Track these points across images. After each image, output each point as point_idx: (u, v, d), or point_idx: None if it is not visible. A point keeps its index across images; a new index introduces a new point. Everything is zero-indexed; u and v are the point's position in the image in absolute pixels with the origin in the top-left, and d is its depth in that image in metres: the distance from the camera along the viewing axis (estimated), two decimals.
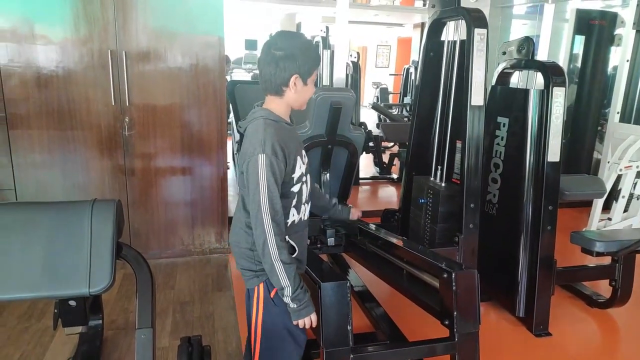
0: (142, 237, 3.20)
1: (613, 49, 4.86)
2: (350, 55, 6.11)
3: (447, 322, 1.78)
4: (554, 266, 2.49)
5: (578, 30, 4.81)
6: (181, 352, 1.45)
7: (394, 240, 2.38)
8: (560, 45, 5.20)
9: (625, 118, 4.33)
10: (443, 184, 2.68)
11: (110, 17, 2.83)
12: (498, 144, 2.66)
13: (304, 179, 1.52)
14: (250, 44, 8.81)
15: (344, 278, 1.72)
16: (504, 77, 2.79)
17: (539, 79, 2.58)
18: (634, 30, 4.22)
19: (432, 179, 2.79)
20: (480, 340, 1.82)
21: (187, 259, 3.28)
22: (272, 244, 1.37)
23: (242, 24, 8.90)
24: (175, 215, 3.25)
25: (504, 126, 2.63)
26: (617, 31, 4.72)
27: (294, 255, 1.48)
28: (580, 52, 4.92)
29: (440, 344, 1.77)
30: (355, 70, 6.14)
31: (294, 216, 1.52)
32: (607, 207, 3.99)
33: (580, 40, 4.93)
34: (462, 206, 2.41)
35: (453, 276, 1.73)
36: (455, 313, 1.73)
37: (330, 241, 2.60)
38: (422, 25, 10.89)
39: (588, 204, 4.02)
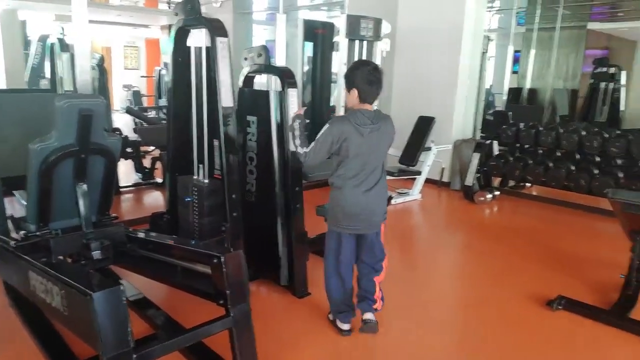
0: None
1: (334, 53, 5.84)
2: (94, 58, 5.70)
3: (221, 302, 1.99)
4: (306, 237, 2.97)
5: (306, 37, 5.62)
6: None
7: (165, 241, 2.47)
8: (296, 50, 5.95)
9: (347, 111, 5.30)
10: (206, 181, 2.88)
11: None
12: (250, 139, 2.99)
13: None
14: None
15: (116, 284, 1.74)
16: (249, 80, 3.13)
17: (277, 81, 3.00)
18: (347, 39, 5.19)
19: (195, 177, 2.95)
20: (253, 312, 2.08)
21: None
22: None
23: None
24: None
25: (253, 123, 2.97)
26: (335, 39, 5.70)
27: None
28: (312, 56, 5.77)
29: (217, 323, 1.96)
30: (101, 73, 5.77)
31: None
32: None
33: (309, 46, 5.77)
34: (225, 198, 2.65)
35: (222, 259, 1.94)
36: (228, 292, 1.95)
37: (96, 254, 2.50)
38: (169, 27, 10.81)
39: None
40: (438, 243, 4.21)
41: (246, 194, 3.04)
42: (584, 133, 4.73)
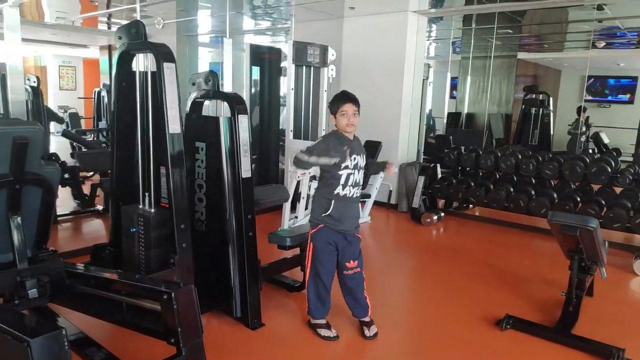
0: None
1: (282, 78, 5.88)
2: (28, 79, 5.38)
3: (172, 340, 1.88)
4: (259, 266, 2.90)
5: (253, 62, 5.63)
6: None
7: (109, 275, 2.32)
8: (243, 73, 5.92)
9: (296, 135, 5.32)
10: (152, 210, 2.75)
11: None
12: (199, 166, 2.91)
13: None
14: None
15: (57, 327, 1.60)
16: (197, 105, 3.06)
17: (226, 107, 2.95)
18: (294, 65, 5.24)
19: (141, 206, 2.82)
20: (206, 348, 1.99)
21: None
22: None
23: None
24: None
25: (202, 150, 2.89)
26: (283, 64, 5.75)
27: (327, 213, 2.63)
28: (259, 80, 5.77)
29: None
30: (37, 96, 5.45)
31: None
32: (294, 208, 4.83)
33: (256, 70, 5.77)
34: (173, 228, 2.54)
35: (173, 296, 1.84)
36: (179, 329, 1.85)
37: (32, 293, 2.31)
38: (110, 47, 10.46)
39: (280, 207, 4.77)
40: (388, 265, 4.26)
41: (195, 223, 2.94)
42: (520, 156, 5.02)
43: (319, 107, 5.56)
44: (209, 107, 3.27)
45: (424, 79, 7.04)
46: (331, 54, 5.54)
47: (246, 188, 2.78)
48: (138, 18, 4.38)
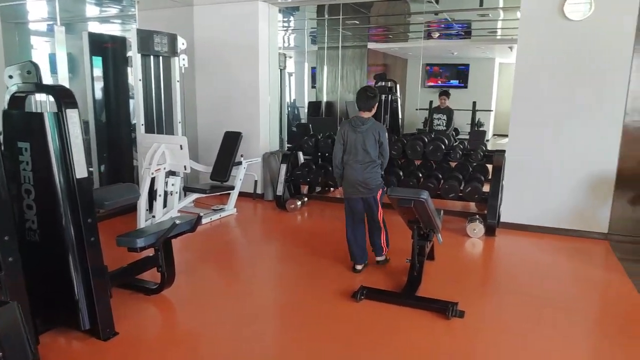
0: None
1: (129, 69, 5.47)
2: None
3: None
4: (106, 272, 2.69)
5: (94, 52, 5.15)
6: None
7: None
8: (84, 64, 5.38)
9: (148, 129, 5.02)
10: None
11: None
12: (25, 169, 2.57)
13: None
14: None
15: None
16: (17, 101, 2.70)
17: (52, 101, 2.65)
18: (140, 54, 4.91)
19: None
20: None
21: None
22: None
23: None
24: None
25: (26, 151, 2.56)
26: (129, 54, 5.35)
27: None
28: (103, 72, 5.30)
29: None
30: None
31: None
32: (152, 207, 4.57)
33: (99, 60, 5.29)
34: None
35: None
36: (1, 354, 1.63)
37: None
38: None
39: (135, 208, 4.48)
40: (255, 254, 4.28)
41: (27, 233, 2.61)
42: None
43: (172, 98, 5.32)
44: (34, 103, 2.92)
45: (281, 69, 7.15)
46: (181, 43, 5.31)
47: (82, 189, 2.54)
48: None
